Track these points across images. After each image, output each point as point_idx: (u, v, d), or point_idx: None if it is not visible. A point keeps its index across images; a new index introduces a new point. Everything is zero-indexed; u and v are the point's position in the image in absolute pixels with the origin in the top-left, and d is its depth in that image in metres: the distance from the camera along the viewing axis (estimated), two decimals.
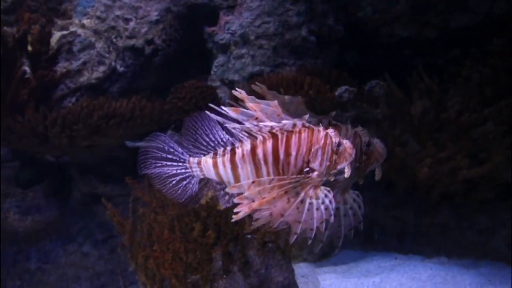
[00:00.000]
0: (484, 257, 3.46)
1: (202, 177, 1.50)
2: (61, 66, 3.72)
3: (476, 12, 4.42)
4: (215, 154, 1.45)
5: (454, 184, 3.55)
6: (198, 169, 1.48)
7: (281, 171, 1.35)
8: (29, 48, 3.29)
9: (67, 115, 2.75)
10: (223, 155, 1.42)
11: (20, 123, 2.88)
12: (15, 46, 3.15)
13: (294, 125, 1.33)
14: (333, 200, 1.33)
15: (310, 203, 1.32)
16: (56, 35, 3.86)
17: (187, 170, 1.51)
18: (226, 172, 1.42)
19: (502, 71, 3.69)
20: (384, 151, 1.39)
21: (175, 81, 3.84)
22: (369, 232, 3.68)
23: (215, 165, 1.44)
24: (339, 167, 1.37)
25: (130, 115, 2.83)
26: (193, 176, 1.50)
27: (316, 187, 1.35)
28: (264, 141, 1.34)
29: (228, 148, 1.42)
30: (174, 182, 1.51)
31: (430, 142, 3.39)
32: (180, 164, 1.51)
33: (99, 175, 3.25)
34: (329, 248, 3.36)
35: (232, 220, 1.32)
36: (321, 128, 1.36)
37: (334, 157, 1.37)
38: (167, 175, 1.52)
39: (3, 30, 3.36)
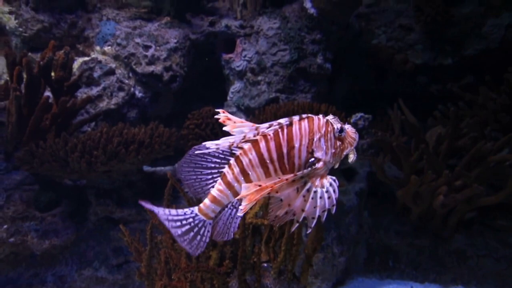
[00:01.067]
0: (503, 286, 3.39)
1: (216, 213, 1.43)
2: (82, 92, 3.82)
3: (490, 39, 4.46)
4: (223, 176, 1.37)
5: (470, 211, 3.52)
6: (212, 207, 1.40)
7: (287, 166, 1.32)
8: (53, 74, 3.39)
9: (87, 141, 2.82)
10: (231, 171, 1.36)
11: (42, 148, 2.95)
12: (39, 73, 3.25)
13: (291, 120, 1.32)
14: (337, 190, 1.32)
15: (315, 192, 1.30)
16: (78, 61, 3.98)
17: (197, 220, 1.44)
18: (241, 187, 1.33)
19: None
20: (356, 135, 1.37)
21: (192, 106, 3.91)
22: (384, 259, 3.65)
23: (229, 186, 1.36)
24: (344, 153, 1.35)
25: (149, 141, 2.88)
26: (204, 221, 1.43)
27: (322, 176, 1.33)
28: (265, 139, 1.30)
29: (232, 161, 1.34)
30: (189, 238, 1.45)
31: (445, 169, 3.38)
32: (191, 219, 1.45)
33: (115, 199, 3.29)
34: (343, 276, 3.33)
35: (240, 213, 1.28)
36: (320, 116, 1.34)
37: (338, 143, 1.34)
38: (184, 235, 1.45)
39: (29, 57, 3.47)
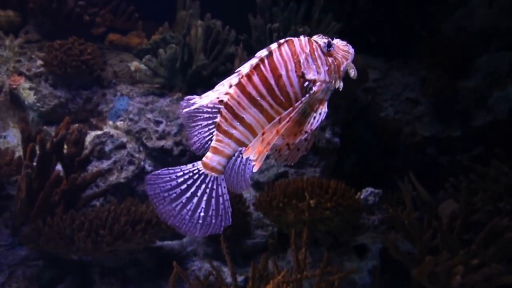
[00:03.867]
0: None
1: (224, 166, 1.28)
2: (93, 165, 3.87)
3: (497, 110, 4.50)
4: (218, 126, 1.26)
5: None
6: (216, 159, 1.27)
7: (281, 98, 1.22)
8: (65, 150, 3.46)
9: (94, 220, 2.81)
10: (224, 118, 1.24)
11: (49, 225, 2.94)
12: (52, 149, 3.32)
13: (269, 49, 1.21)
14: (325, 111, 1.21)
15: (313, 117, 1.22)
16: (91, 134, 4.07)
17: (208, 179, 1.27)
18: (241, 133, 1.25)
19: None
20: (349, 47, 1.25)
21: None
22: None
23: (227, 134, 1.25)
24: (342, 68, 1.24)
25: (156, 220, 2.86)
26: (216, 178, 1.27)
27: (322, 101, 1.23)
28: (249, 77, 1.21)
29: (222, 109, 1.24)
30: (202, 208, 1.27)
31: (460, 247, 3.27)
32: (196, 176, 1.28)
33: (120, 278, 3.22)
34: None
35: (255, 170, 1.19)
36: (301, 37, 1.24)
37: (330, 59, 1.23)
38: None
39: (43, 133, 3.57)
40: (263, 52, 1.21)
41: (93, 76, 4.28)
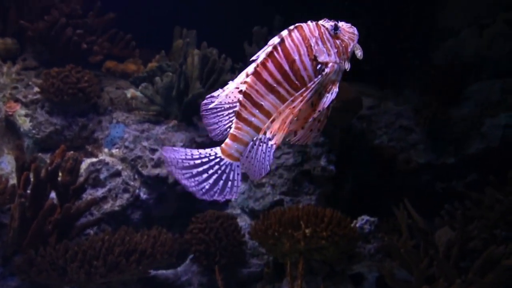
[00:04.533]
0: None
1: (241, 153, 1.32)
2: (88, 193, 3.85)
3: (490, 138, 4.55)
4: (238, 114, 1.29)
5: None
6: (235, 146, 1.31)
7: (297, 83, 1.26)
8: (59, 178, 3.44)
9: (87, 250, 2.77)
10: (243, 107, 1.28)
11: (41, 256, 2.90)
12: (46, 177, 3.30)
13: (281, 36, 1.26)
14: (336, 91, 1.26)
15: (326, 97, 1.26)
16: (86, 161, 4.06)
17: (224, 164, 1.32)
18: (260, 120, 1.28)
19: None
20: (354, 29, 1.30)
21: (197, 207, 3.89)
22: None
23: (246, 122, 1.29)
24: (349, 49, 1.28)
25: (151, 251, 2.83)
26: (231, 164, 1.32)
27: (335, 82, 1.27)
28: (264, 65, 1.25)
29: (241, 97, 1.28)
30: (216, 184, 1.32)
31: (457, 275, 3.25)
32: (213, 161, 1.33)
33: None
34: None
35: (274, 148, 1.25)
36: (309, 22, 1.28)
37: (338, 41, 1.28)
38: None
39: (38, 161, 3.56)
40: (275, 40, 1.26)
41: (89, 104, 4.31)
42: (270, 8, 5.16)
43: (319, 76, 1.25)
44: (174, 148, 1.38)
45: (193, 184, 1.35)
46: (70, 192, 3.45)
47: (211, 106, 1.33)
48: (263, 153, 1.33)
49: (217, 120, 1.36)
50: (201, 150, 1.36)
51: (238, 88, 1.29)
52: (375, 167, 4.49)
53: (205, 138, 4.12)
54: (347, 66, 1.30)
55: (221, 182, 1.33)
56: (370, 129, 4.50)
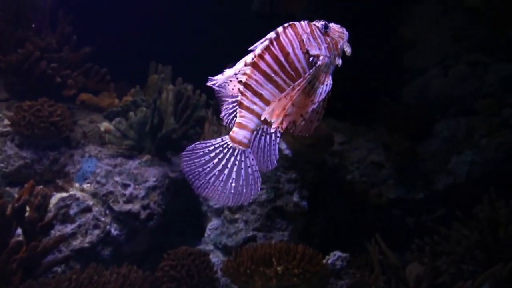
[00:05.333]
0: None
1: (249, 139, 1.41)
2: (56, 229, 3.75)
3: (457, 174, 4.70)
4: (240, 103, 1.40)
5: None
6: (242, 133, 1.40)
7: (292, 73, 1.38)
8: (27, 214, 3.35)
9: None
10: (245, 96, 1.39)
11: None
12: (12, 214, 3.21)
13: (276, 32, 1.37)
14: (330, 83, 1.37)
15: (321, 88, 1.37)
16: (56, 196, 3.97)
17: (237, 153, 1.40)
18: (261, 108, 1.38)
19: (491, 236, 3.76)
20: (343, 29, 1.43)
21: (169, 242, 3.84)
22: None
23: (249, 110, 1.39)
24: (339, 46, 1.40)
25: None
26: (244, 151, 1.40)
27: (327, 74, 1.39)
28: (261, 57, 1.37)
29: (241, 88, 1.39)
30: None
31: None
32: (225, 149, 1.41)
33: None
34: None
35: (273, 129, 1.35)
36: (301, 21, 1.40)
37: (328, 38, 1.40)
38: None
39: (4, 196, 3.46)
40: (271, 35, 1.38)
41: (61, 137, 4.25)
42: (246, 46, 5.29)
43: (313, 68, 1.38)
44: (189, 148, 1.44)
45: (220, 188, 1.42)
46: (37, 229, 3.35)
47: (216, 84, 1.43)
48: (268, 144, 1.43)
49: (224, 107, 1.48)
50: (212, 140, 1.44)
51: (236, 75, 1.41)
52: (347, 202, 4.56)
53: (178, 174, 4.11)
54: (338, 62, 1.42)
55: (242, 171, 1.41)
56: (342, 165, 4.59)
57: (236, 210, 3.82)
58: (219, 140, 1.42)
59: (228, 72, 1.40)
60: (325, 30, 1.41)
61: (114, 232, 3.89)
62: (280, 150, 3.95)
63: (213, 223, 3.91)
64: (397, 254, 3.76)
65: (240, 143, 1.41)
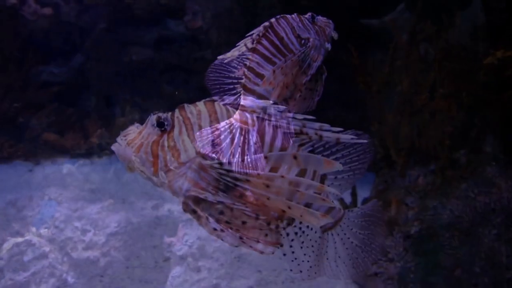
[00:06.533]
0: None
1: (253, 122, 1.48)
2: (7, 278, 3.55)
3: None
4: (244, 86, 1.49)
5: None
6: (246, 115, 1.48)
7: (287, 54, 1.52)
8: None
9: None
10: (248, 78, 1.49)
11: None
12: None
13: (269, 21, 1.52)
14: (321, 60, 1.56)
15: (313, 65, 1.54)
16: (10, 242, 3.79)
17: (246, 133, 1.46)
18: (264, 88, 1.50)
19: None
20: (329, 20, 1.61)
21: None
22: None
23: (251, 91, 1.50)
24: (327, 32, 1.58)
25: None
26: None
27: (319, 55, 1.56)
28: (259, 41, 1.50)
29: (245, 71, 1.50)
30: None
31: None
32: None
33: None
34: None
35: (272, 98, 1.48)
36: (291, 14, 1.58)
37: (316, 27, 1.58)
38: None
39: None
40: (265, 24, 1.54)
41: (20, 179, 4.12)
42: None
43: (304, 47, 1.57)
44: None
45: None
46: None
47: (221, 61, 1.54)
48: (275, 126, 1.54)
49: (218, 85, 1.58)
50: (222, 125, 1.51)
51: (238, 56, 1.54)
52: None
53: (140, 219, 4.02)
54: (328, 46, 1.61)
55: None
56: None
57: (200, 258, 3.74)
58: (228, 123, 1.52)
59: (231, 53, 1.53)
60: (312, 20, 1.61)
61: (71, 280, 3.72)
62: None
63: (176, 270, 3.80)
64: None
65: (245, 123, 1.51)
